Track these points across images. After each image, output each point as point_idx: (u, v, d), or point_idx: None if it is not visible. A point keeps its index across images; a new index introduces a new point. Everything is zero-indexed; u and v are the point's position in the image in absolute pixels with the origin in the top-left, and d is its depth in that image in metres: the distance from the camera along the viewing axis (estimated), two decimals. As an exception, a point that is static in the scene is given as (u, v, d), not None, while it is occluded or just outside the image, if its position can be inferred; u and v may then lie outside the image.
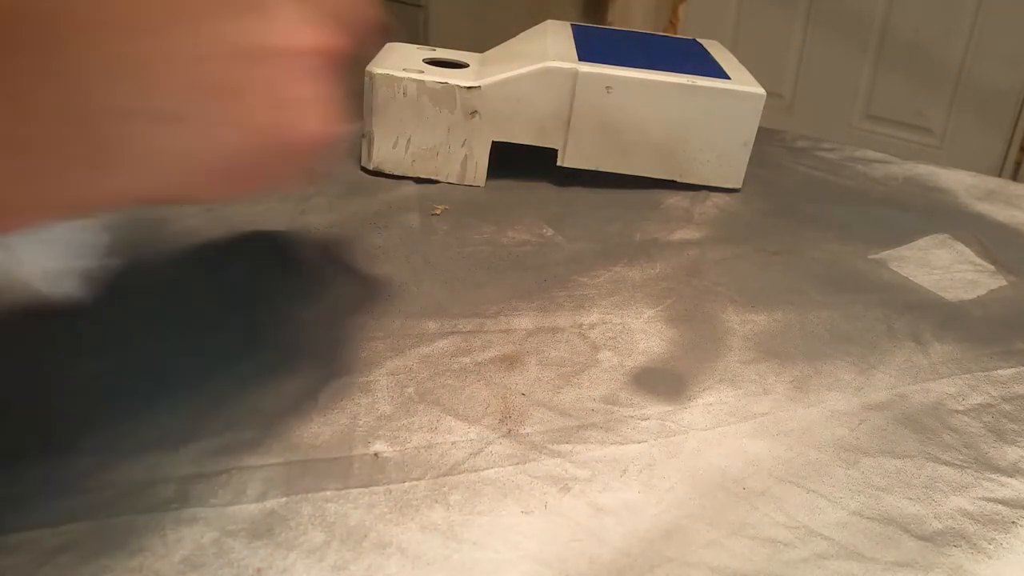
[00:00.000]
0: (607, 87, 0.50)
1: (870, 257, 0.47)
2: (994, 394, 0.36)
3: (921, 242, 0.49)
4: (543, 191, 0.53)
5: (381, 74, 0.50)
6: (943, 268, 0.46)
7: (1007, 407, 0.35)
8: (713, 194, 0.54)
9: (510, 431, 0.31)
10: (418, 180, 0.52)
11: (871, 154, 0.63)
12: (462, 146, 0.52)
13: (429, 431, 0.31)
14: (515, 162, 0.53)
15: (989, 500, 0.30)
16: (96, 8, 0.20)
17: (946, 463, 0.31)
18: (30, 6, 0.19)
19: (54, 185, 0.21)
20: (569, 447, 0.31)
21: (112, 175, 0.22)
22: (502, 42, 0.58)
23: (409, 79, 0.50)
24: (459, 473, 0.29)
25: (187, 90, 0.21)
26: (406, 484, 0.28)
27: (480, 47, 0.57)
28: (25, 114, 0.20)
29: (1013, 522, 0.29)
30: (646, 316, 0.39)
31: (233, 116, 0.22)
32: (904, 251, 0.48)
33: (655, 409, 0.33)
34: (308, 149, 0.24)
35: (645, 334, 0.38)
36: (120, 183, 0.22)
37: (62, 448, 0.28)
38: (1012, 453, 0.32)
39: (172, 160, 0.22)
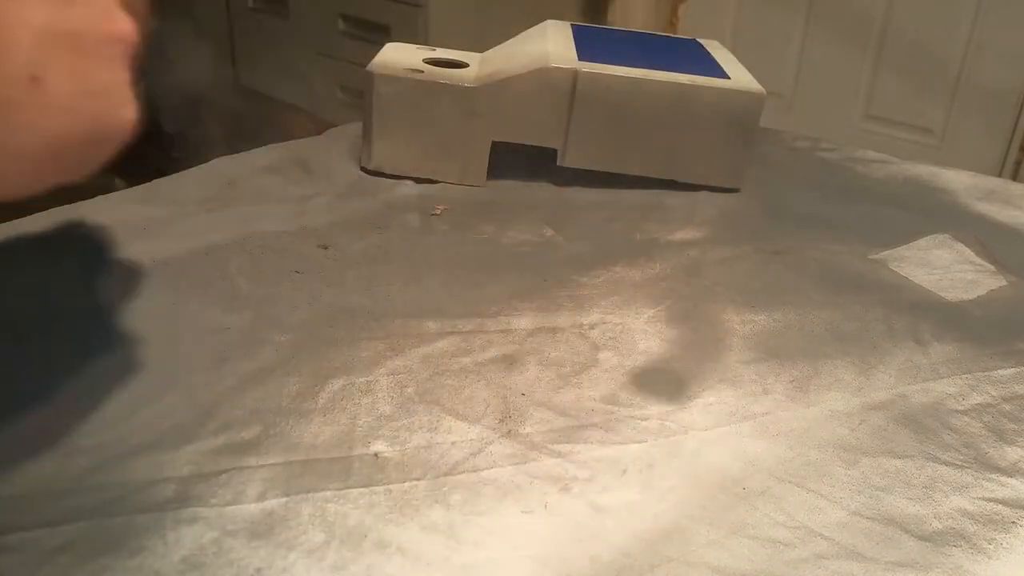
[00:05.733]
0: (607, 87, 0.50)
1: (870, 257, 0.47)
2: (994, 394, 0.36)
3: (921, 242, 0.49)
4: (543, 191, 0.53)
5: (381, 74, 0.50)
6: (943, 268, 0.46)
7: (1007, 407, 0.35)
8: (713, 194, 0.54)
9: (510, 431, 0.31)
10: (418, 180, 0.52)
11: (871, 154, 0.63)
12: (462, 146, 0.51)
13: (429, 431, 0.31)
14: (515, 162, 0.53)
15: (989, 500, 0.30)
16: None
17: (946, 463, 0.31)
18: None
19: None
20: (569, 447, 0.31)
21: None
22: (502, 42, 0.58)
23: (409, 79, 0.50)
24: (459, 473, 0.29)
25: (4, 76, 0.21)
26: (406, 484, 0.28)
27: (480, 47, 0.58)
28: None
29: (1013, 522, 0.29)
30: (646, 316, 0.39)
31: (49, 102, 0.22)
32: (904, 251, 0.48)
33: (655, 409, 0.33)
34: (122, 136, 0.24)
35: (645, 334, 0.38)
36: None
37: (62, 448, 0.28)
38: (1012, 453, 0.32)
39: None
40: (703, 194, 0.53)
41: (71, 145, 0.24)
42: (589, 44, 0.55)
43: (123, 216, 0.44)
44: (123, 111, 0.24)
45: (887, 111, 1.74)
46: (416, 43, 0.57)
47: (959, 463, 0.31)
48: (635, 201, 0.52)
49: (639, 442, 0.31)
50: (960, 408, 0.35)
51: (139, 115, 0.25)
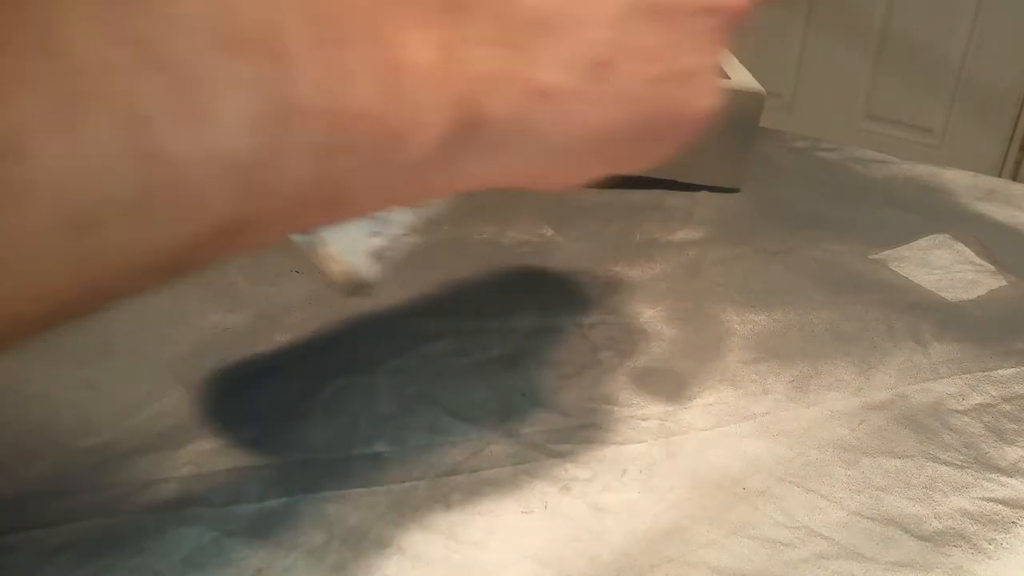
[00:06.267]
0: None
1: (870, 257, 0.47)
2: (994, 394, 0.36)
3: (921, 242, 0.49)
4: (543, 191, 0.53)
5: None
6: (943, 268, 0.46)
7: (1007, 407, 0.35)
8: (713, 194, 0.54)
9: (510, 431, 0.31)
10: (418, 180, 0.52)
11: (871, 154, 0.63)
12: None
13: (429, 431, 0.31)
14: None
15: (989, 500, 0.30)
16: None
17: (946, 463, 0.31)
18: None
19: (412, 175, 0.18)
20: (569, 447, 0.31)
21: (479, 156, 0.19)
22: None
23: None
24: (459, 473, 0.29)
25: (574, 62, 0.18)
26: (406, 484, 0.28)
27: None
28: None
29: (1013, 522, 0.29)
30: (646, 316, 0.39)
31: (610, 91, 0.19)
32: (904, 251, 0.48)
33: (655, 409, 0.33)
34: (691, 129, 0.22)
35: (645, 334, 0.38)
36: (482, 166, 0.19)
37: (62, 448, 0.28)
38: (1012, 453, 0.32)
39: (540, 140, 0.19)
40: (703, 194, 0.53)
41: (623, 138, 0.21)
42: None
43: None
44: (698, 100, 0.21)
45: (887, 111, 1.74)
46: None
47: (959, 463, 0.31)
48: (635, 201, 0.52)
49: (639, 442, 0.31)
50: (960, 408, 0.35)
51: (716, 103, 0.22)
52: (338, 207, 0.18)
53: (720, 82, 0.22)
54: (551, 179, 0.22)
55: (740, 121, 0.52)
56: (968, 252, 0.48)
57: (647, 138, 0.21)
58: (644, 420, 0.32)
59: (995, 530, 0.28)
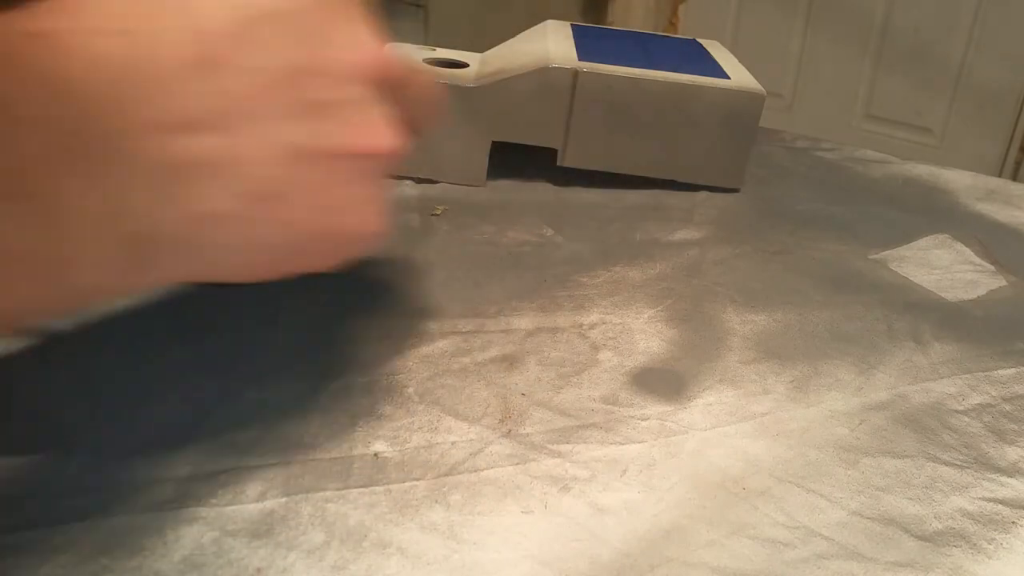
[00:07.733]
0: (607, 87, 0.50)
1: (870, 257, 0.47)
2: (994, 394, 0.36)
3: (921, 242, 0.49)
4: (543, 191, 0.53)
5: (381, 74, 0.50)
6: (943, 268, 0.46)
7: (1007, 407, 0.35)
8: (713, 194, 0.54)
9: (510, 431, 0.31)
10: (418, 180, 0.52)
11: (871, 154, 0.63)
12: (462, 146, 0.51)
13: (429, 431, 0.31)
14: (515, 162, 0.53)
15: (989, 500, 0.30)
16: (154, 108, 0.20)
17: (946, 463, 0.31)
18: (86, 110, 0.19)
19: (89, 278, 0.21)
20: (569, 447, 0.31)
21: (150, 270, 0.22)
22: (502, 42, 0.58)
23: (409, 79, 0.50)
24: (459, 473, 0.29)
25: (239, 193, 0.22)
26: (406, 484, 0.28)
27: (480, 47, 0.58)
28: (68, 220, 0.20)
29: (1013, 522, 0.29)
30: (646, 316, 0.39)
31: (281, 218, 0.23)
32: (904, 251, 0.48)
33: (655, 409, 0.33)
34: (357, 246, 0.26)
35: (645, 334, 0.38)
36: (159, 274, 0.22)
37: (61, 448, 0.28)
38: (1012, 453, 0.32)
39: (216, 252, 0.22)
40: (703, 194, 0.53)
41: (299, 252, 0.24)
42: (589, 44, 0.55)
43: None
44: (361, 224, 0.25)
45: (887, 111, 1.74)
46: (416, 43, 0.57)
47: (959, 463, 0.31)
48: (635, 201, 0.52)
49: (639, 442, 0.31)
50: (960, 408, 0.35)
51: (382, 224, 0.26)
52: None
53: (379, 209, 0.26)
54: (235, 277, 0.25)
55: (740, 121, 0.52)
56: (968, 252, 0.48)
57: (315, 252, 0.25)
58: (644, 420, 0.32)
59: (995, 530, 0.28)
